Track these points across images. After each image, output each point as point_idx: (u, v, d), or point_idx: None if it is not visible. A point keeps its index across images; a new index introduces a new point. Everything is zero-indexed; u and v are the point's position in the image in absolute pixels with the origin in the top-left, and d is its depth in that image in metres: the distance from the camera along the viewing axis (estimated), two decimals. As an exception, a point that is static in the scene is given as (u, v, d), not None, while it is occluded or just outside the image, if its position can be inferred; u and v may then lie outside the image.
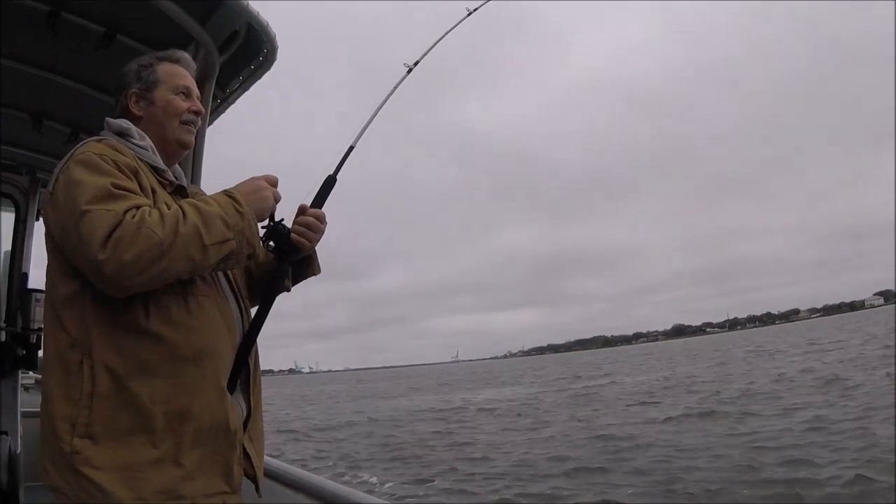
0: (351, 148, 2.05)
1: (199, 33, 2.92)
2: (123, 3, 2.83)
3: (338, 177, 2.02)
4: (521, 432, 19.49)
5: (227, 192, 1.69)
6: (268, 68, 3.24)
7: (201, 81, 3.04)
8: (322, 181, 2.00)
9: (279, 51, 3.12)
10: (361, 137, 2.08)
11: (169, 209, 1.56)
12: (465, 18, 2.38)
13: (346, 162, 2.04)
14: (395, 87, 2.19)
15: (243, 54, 3.16)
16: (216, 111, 3.42)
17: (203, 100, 3.09)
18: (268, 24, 2.97)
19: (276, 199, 1.79)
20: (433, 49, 2.28)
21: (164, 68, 1.88)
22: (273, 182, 1.79)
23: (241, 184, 1.75)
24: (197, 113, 1.91)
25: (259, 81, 3.33)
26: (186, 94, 1.89)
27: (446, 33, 2.31)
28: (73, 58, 3.27)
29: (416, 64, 2.24)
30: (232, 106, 3.49)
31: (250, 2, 2.84)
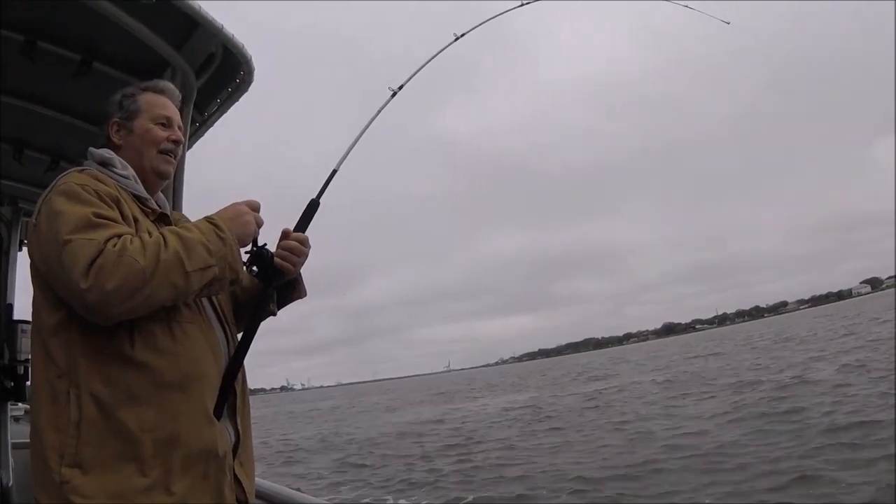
0: (334, 172, 2.05)
1: (174, 58, 2.93)
2: (99, 30, 2.83)
3: (321, 200, 2.02)
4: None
5: (208, 219, 1.71)
6: (245, 90, 3.25)
7: (179, 106, 3.05)
8: (305, 205, 2.00)
9: (256, 72, 3.14)
10: (345, 161, 2.07)
11: (151, 237, 1.57)
12: (452, 43, 2.38)
13: (329, 186, 2.04)
14: (380, 111, 2.19)
15: (220, 77, 3.17)
16: (195, 135, 3.42)
17: (182, 124, 3.10)
18: (243, 47, 2.98)
19: (259, 224, 1.81)
20: (419, 72, 2.26)
21: (145, 98, 1.90)
22: (255, 207, 1.80)
23: (222, 209, 1.76)
24: (176, 142, 1.91)
25: (237, 104, 3.34)
26: (167, 123, 1.90)
27: (432, 57, 2.30)
28: (51, 86, 3.26)
29: (400, 87, 2.23)
30: (211, 129, 3.50)
31: (225, 25, 2.85)
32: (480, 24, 2.44)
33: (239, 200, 1.80)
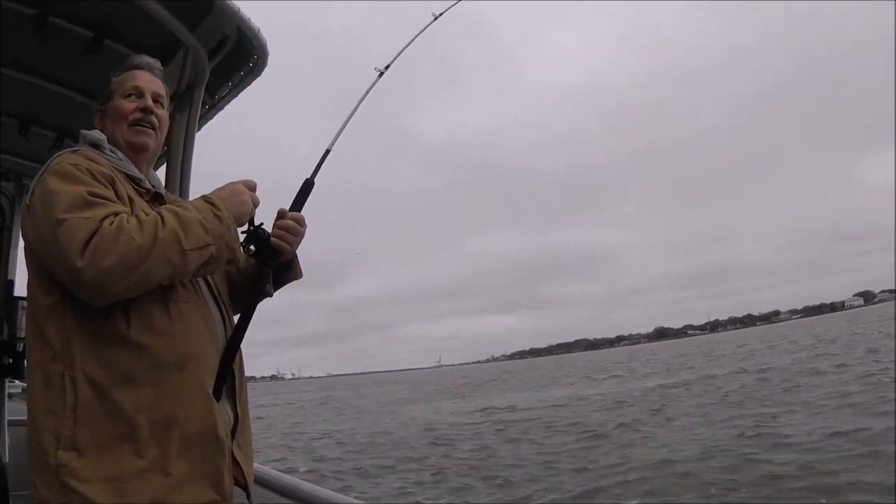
0: (327, 151, 2.06)
1: (188, 38, 2.90)
2: (112, 7, 2.81)
3: (315, 180, 2.02)
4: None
5: (204, 198, 1.69)
6: (258, 74, 3.23)
7: (190, 87, 3.01)
8: (300, 185, 2.00)
9: (269, 57, 3.12)
10: (337, 141, 2.09)
11: (148, 216, 1.55)
12: (431, 23, 2.40)
13: (322, 165, 2.04)
14: (368, 91, 2.22)
15: (233, 60, 3.14)
16: (205, 117, 3.40)
17: (192, 106, 3.08)
18: (259, 30, 2.96)
19: (255, 204, 1.79)
20: (403, 53, 2.31)
21: (119, 78, 1.87)
22: (251, 186, 1.79)
23: (219, 189, 1.75)
24: (144, 110, 1.83)
25: (249, 87, 3.32)
26: (137, 94, 1.84)
27: (414, 38, 2.33)
28: (61, 62, 3.24)
29: (386, 68, 2.27)
30: (221, 112, 3.47)
31: (241, 7, 2.83)
32: (457, 3, 2.48)
33: (235, 180, 1.78)
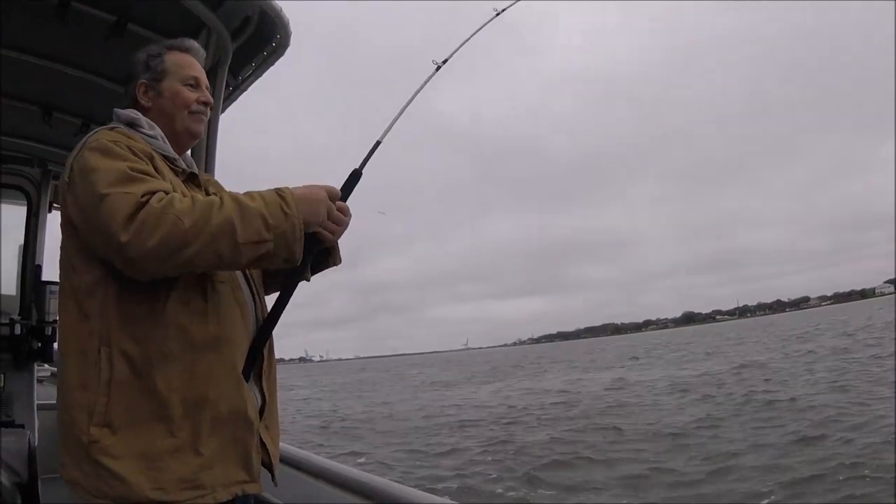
0: (378, 143, 2.00)
1: (211, 19, 2.90)
2: None
3: (363, 171, 1.95)
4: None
5: (277, 190, 1.61)
6: (281, 55, 3.21)
7: (213, 68, 3.00)
8: (348, 175, 1.93)
9: (292, 37, 3.11)
10: (388, 133, 2.02)
11: (205, 198, 1.54)
12: (493, 19, 2.35)
13: (371, 157, 1.98)
14: (424, 84, 2.16)
15: (256, 41, 3.13)
16: (229, 98, 3.40)
17: (215, 87, 3.07)
18: (281, 10, 2.96)
19: (330, 218, 1.71)
20: (462, 48, 2.25)
21: (172, 58, 1.86)
22: (334, 196, 1.72)
23: (300, 186, 1.67)
24: (206, 104, 1.88)
25: (272, 68, 3.31)
26: (195, 84, 1.87)
27: (474, 33, 2.28)
28: (83, 48, 3.25)
29: (444, 62, 2.21)
30: (245, 94, 3.47)
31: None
32: (518, 0, 2.41)
33: (317, 184, 1.71)
